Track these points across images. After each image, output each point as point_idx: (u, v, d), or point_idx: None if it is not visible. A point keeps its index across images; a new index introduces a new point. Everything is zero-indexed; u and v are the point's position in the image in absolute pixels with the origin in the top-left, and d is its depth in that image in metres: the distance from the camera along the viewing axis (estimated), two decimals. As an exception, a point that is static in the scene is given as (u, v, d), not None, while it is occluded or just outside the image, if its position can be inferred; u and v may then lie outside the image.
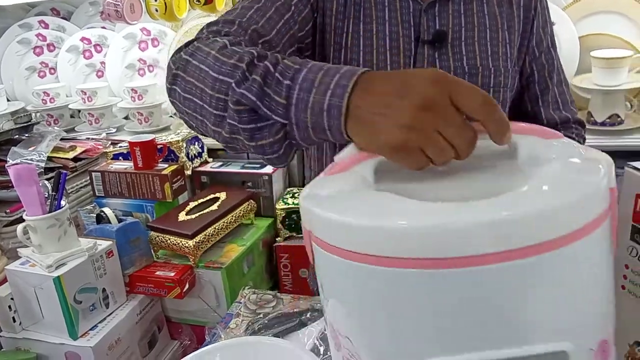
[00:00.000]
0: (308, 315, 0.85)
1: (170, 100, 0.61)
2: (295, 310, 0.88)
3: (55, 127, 1.61)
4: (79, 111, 1.75)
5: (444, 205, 0.36)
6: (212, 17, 1.61)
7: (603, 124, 1.29)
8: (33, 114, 1.60)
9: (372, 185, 0.42)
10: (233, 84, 0.51)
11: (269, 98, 0.49)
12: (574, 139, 0.84)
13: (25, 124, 1.47)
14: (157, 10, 1.37)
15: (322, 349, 0.77)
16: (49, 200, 1.09)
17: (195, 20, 1.65)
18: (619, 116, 1.28)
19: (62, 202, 1.11)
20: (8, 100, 1.74)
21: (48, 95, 1.68)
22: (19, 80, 1.78)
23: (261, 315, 0.88)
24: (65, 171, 1.14)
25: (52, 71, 1.82)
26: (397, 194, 0.39)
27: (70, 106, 1.70)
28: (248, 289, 0.98)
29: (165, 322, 1.30)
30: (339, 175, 0.44)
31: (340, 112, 0.45)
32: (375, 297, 0.37)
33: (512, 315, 0.35)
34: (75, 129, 1.69)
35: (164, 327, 1.30)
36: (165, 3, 1.35)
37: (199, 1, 1.34)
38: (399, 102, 0.41)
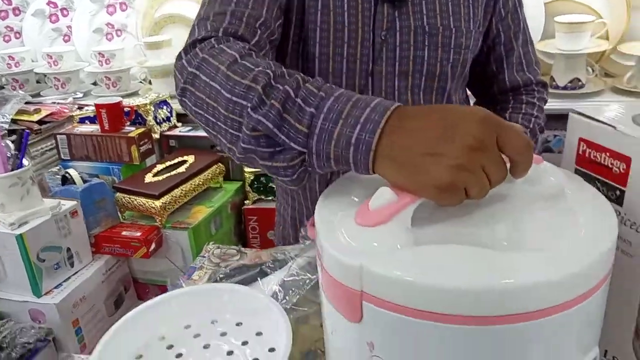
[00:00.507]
0: (269, 264, 0.86)
1: (183, 109, 0.59)
2: (256, 261, 0.90)
3: (21, 92, 1.58)
4: (45, 76, 1.72)
5: (499, 258, 0.38)
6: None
7: (565, 87, 1.31)
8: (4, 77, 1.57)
9: (414, 234, 0.41)
10: (249, 109, 0.48)
11: (288, 125, 0.47)
12: (535, 103, 0.84)
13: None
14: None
15: (281, 295, 0.78)
16: (12, 160, 1.08)
17: (164, -16, 1.63)
18: (580, 80, 1.31)
19: (25, 162, 1.09)
20: (-29, 64, 1.70)
21: (13, 59, 1.65)
22: (-17, 45, 1.74)
23: (223, 267, 0.90)
24: (27, 130, 1.13)
25: (18, 35, 1.78)
26: (441, 240, 0.40)
27: (36, 70, 1.67)
28: (212, 244, 0.99)
29: (132, 283, 1.31)
30: (382, 227, 0.41)
31: (370, 149, 0.43)
32: (442, 349, 0.38)
33: (559, 346, 0.38)
34: (41, 93, 1.66)
35: (130, 288, 1.31)
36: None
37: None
38: (448, 143, 0.40)
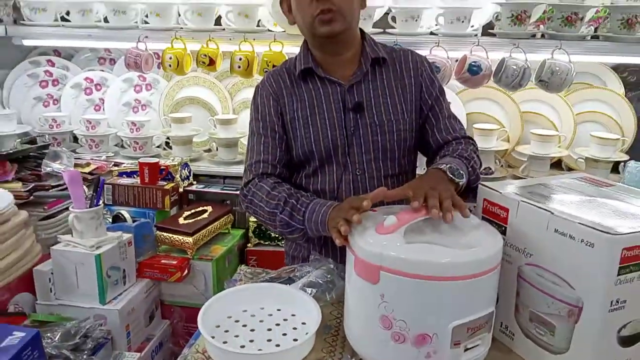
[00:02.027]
0: (292, 276, 1.29)
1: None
2: (282, 275, 1.32)
3: (64, 149, 1.94)
4: (76, 138, 2.10)
5: (446, 250, 0.84)
6: (208, 76, 2.07)
7: (480, 173, 1.88)
8: (39, 137, 1.93)
9: (406, 238, 0.86)
10: (278, 213, 1.14)
11: (295, 219, 1.12)
12: (461, 142, 1.24)
13: (44, 144, 1.80)
14: (170, 66, 1.81)
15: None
16: (89, 199, 1.45)
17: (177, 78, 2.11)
18: (490, 169, 1.89)
19: (100, 201, 1.47)
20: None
21: (55, 121, 2.01)
22: (26, 108, 2.10)
23: (258, 280, 1.31)
24: (103, 177, 1.51)
25: (55, 102, 2.15)
26: (419, 241, 0.86)
27: (75, 131, 2.04)
28: (244, 265, 1.40)
29: (160, 304, 1.66)
30: (391, 235, 0.86)
31: (325, 224, 1.05)
32: (418, 294, 0.82)
33: (472, 298, 0.84)
34: (77, 151, 2.03)
35: (159, 308, 1.65)
36: (177, 59, 1.80)
37: (204, 62, 1.80)
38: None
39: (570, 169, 1.96)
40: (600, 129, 1.91)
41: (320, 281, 1.20)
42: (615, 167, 1.81)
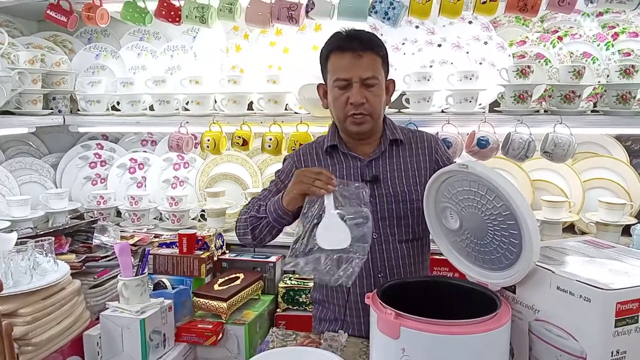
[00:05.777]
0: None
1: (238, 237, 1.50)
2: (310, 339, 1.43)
3: (109, 222, 2.13)
4: (119, 212, 2.29)
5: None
6: (240, 153, 2.28)
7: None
8: (88, 213, 2.13)
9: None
10: (251, 211, 1.43)
11: (260, 210, 1.39)
12: None
13: (93, 219, 1.99)
14: (208, 147, 2.02)
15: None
16: (135, 268, 1.61)
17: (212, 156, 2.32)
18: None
19: (145, 270, 1.62)
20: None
21: (103, 198, 2.22)
22: (76, 186, 2.32)
23: (290, 339, 1.42)
24: (149, 248, 1.67)
25: (103, 181, 2.37)
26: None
27: (119, 207, 2.24)
28: (275, 327, 1.51)
29: (195, 368, 1.75)
30: None
31: (280, 199, 1.32)
32: (436, 347, 0.94)
33: (485, 351, 0.95)
34: (121, 224, 2.21)
35: (194, 371, 1.74)
36: (214, 141, 2.01)
37: (238, 143, 2.01)
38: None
39: (583, 233, 2.05)
40: (609, 195, 2.02)
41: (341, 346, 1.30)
42: (627, 230, 1.90)
